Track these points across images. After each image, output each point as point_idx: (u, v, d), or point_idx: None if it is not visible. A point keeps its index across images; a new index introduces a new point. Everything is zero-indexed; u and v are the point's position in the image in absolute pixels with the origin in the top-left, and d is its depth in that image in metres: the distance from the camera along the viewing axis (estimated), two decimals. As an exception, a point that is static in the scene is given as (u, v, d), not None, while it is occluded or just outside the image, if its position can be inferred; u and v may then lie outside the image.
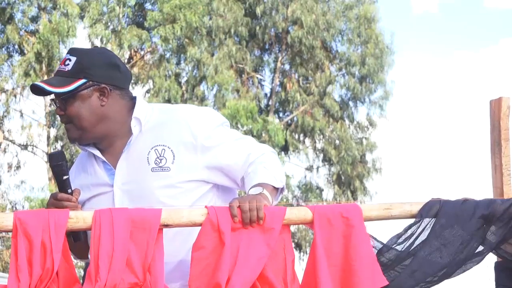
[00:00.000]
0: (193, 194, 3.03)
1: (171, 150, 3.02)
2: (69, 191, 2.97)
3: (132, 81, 24.35)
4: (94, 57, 3.09)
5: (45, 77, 22.87)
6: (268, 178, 2.96)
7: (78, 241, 3.00)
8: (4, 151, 23.88)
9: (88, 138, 3.07)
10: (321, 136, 24.69)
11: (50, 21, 22.45)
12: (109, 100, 3.06)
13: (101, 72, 3.06)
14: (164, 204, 2.96)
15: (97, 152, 3.09)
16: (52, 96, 3.10)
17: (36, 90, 3.08)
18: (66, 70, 3.07)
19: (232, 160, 3.04)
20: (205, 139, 3.03)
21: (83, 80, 3.04)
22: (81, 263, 20.84)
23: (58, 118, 3.03)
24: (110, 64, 3.09)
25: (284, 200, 23.37)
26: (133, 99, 3.13)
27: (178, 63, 24.05)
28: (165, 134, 3.05)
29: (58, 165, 2.98)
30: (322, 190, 25.09)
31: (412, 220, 2.93)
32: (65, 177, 2.98)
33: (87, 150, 3.11)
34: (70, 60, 3.08)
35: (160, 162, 3.02)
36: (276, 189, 2.99)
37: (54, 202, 2.96)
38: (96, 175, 3.10)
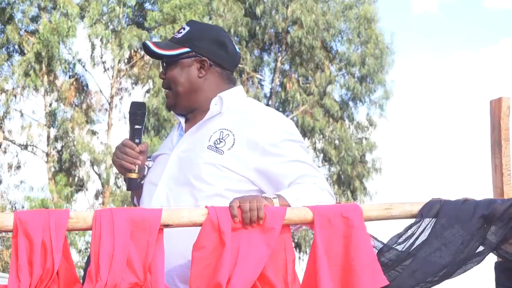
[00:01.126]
0: (233, 184, 3.04)
1: (234, 139, 3.07)
2: (137, 141, 3.12)
3: (132, 81, 24.36)
4: (205, 31, 3.20)
5: (45, 77, 22.89)
6: (290, 195, 2.95)
7: (132, 189, 3.18)
8: (4, 151, 23.88)
9: (181, 106, 3.19)
10: (321, 136, 24.69)
11: (50, 21, 22.44)
12: (207, 74, 3.16)
13: (206, 45, 3.16)
14: (204, 181, 3.02)
15: (182, 120, 3.21)
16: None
17: (148, 50, 3.20)
18: (177, 37, 3.20)
19: (282, 175, 3.04)
20: (269, 145, 3.05)
21: (186, 49, 3.15)
22: (81, 263, 20.84)
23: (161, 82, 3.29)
24: (217, 41, 3.18)
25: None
26: (232, 83, 3.20)
27: (178, 63, 24.01)
28: (236, 122, 3.10)
29: (134, 114, 3.14)
30: (322, 190, 25.04)
31: (412, 220, 2.92)
32: (136, 127, 3.13)
33: (178, 118, 3.24)
34: (184, 29, 3.21)
35: (219, 143, 3.08)
36: None
37: (119, 146, 3.13)
38: (171, 138, 3.24)
